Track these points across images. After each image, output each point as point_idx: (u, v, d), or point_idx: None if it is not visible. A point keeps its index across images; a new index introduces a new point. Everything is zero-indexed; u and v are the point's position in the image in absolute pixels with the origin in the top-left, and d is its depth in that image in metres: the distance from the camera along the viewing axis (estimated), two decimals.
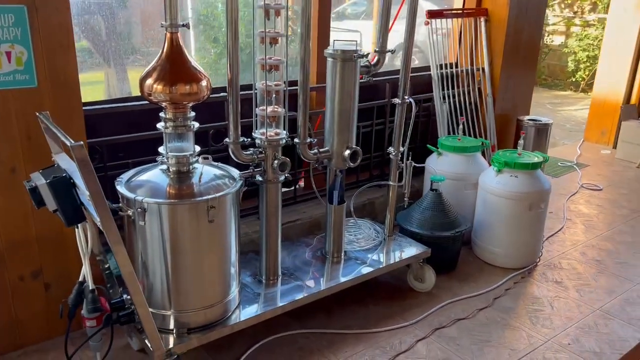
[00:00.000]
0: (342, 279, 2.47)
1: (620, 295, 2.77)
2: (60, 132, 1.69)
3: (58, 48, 2.00)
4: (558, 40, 9.78)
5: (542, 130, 3.81)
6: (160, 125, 1.97)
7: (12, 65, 1.91)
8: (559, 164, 4.79)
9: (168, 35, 1.84)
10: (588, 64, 8.76)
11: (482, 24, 3.70)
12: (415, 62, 5.18)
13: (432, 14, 3.48)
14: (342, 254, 2.66)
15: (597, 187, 4.26)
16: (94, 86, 3.12)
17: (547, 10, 9.33)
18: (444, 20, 3.58)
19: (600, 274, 2.98)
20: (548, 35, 9.64)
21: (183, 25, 1.84)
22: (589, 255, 3.19)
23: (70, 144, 1.51)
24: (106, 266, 2.13)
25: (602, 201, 4.00)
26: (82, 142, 1.51)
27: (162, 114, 1.95)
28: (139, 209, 1.86)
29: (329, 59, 2.38)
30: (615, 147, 5.14)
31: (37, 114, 1.86)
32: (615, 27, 5.08)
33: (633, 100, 5.15)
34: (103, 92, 3.56)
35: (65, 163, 1.82)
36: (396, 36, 3.03)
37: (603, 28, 5.47)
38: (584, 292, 2.79)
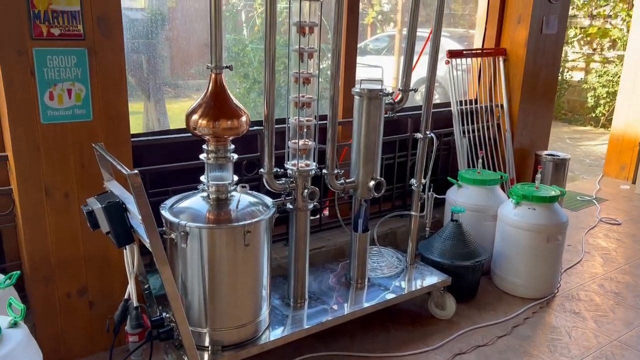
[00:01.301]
0: (366, 304, 2.59)
1: (638, 327, 2.83)
2: (116, 161, 1.88)
3: (112, 85, 2.22)
4: (578, 76, 9.91)
5: (560, 165, 3.92)
6: (202, 156, 2.15)
7: (72, 101, 2.13)
8: (578, 198, 4.87)
9: (213, 75, 2.04)
10: (608, 99, 8.85)
11: (501, 62, 3.87)
12: (436, 97, 5.34)
13: (453, 54, 3.66)
14: (366, 280, 2.78)
15: (616, 222, 4.32)
16: (133, 116, 3.36)
17: (566, 47, 9.50)
18: (464, 58, 3.76)
19: (618, 306, 3.04)
20: (567, 72, 9.77)
21: (227, 67, 2.04)
22: (607, 288, 3.25)
23: (127, 173, 1.69)
24: (146, 286, 2.29)
25: (621, 235, 4.07)
26: (137, 171, 1.69)
27: (205, 146, 2.13)
28: (182, 233, 2.03)
29: (356, 97, 2.56)
30: (634, 182, 5.20)
31: (93, 145, 2.06)
32: (633, 65, 5.21)
33: None
34: (142, 121, 3.80)
35: (117, 190, 2.00)
36: (417, 70, 3.21)
37: (622, 65, 5.59)
38: (601, 323, 2.86)
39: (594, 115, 9.20)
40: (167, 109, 3.66)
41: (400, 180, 3.57)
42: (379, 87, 2.56)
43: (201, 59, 4.07)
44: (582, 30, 9.69)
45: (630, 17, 6.62)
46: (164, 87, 3.79)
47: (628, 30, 7.30)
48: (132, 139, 2.40)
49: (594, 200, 4.79)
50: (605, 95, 8.90)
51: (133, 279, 2.07)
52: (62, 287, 2.30)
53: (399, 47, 7.29)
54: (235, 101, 2.10)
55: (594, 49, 9.82)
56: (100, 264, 2.37)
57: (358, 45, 3.40)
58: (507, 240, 3.09)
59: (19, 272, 1.86)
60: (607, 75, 9.00)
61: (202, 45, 3.98)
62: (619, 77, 7.55)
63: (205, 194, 2.20)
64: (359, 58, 3.37)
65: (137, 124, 3.27)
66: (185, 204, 2.21)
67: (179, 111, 4.40)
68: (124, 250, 2.05)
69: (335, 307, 2.55)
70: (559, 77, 8.62)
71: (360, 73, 3.40)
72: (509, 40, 3.86)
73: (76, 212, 2.23)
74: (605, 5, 9.40)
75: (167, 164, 2.64)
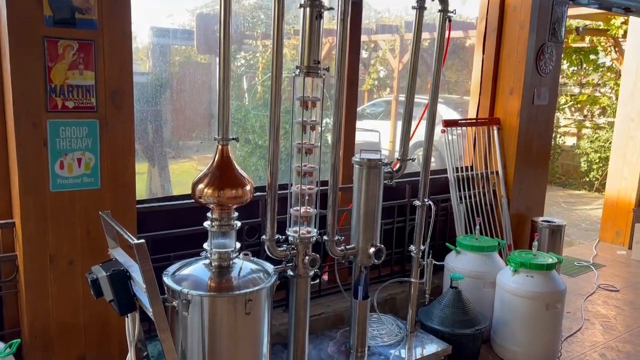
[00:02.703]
0: None
1: None
2: (122, 229, 1.92)
3: (120, 154, 2.29)
4: (570, 141, 10.14)
5: (556, 231, 3.96)
6: (206, 224, 2.19)
7: (81, 170, 2.19)
8: (576, 263, 4.88)
9: (219, 147, 2.12)
10: (600, 164, 9.02)
11: (495, 131, 4.00)
12: (433, 161, 5.46)
13: (448, 123, 3.79)
14: (366, 348, 2.76)
15: (614, 288, 4.32)
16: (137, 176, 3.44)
17: (558, 114, 9.79)
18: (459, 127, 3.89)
19: None
20: (560, 137, 10.01)
21: (233, 139, 2.12)
22: (608, 357, 3.22)
23: (133, 242, 1.73)
24: (145, 354, 2.27)
25: (620, 302, 4.06)
26: (143, 241, 1.73)
27: (209, 214, 2.18)
28: (184, 301, 2.04)
29: (356, 166, 2.64)
30: (630, 247, 5.24)
31: (100, 213, 2.11)
32: (623, 132, 5.37)
33: None
34: (145, 183, 3.86)
35: (122, 257, 2.03)
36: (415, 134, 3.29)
37: (613, 131, 5.76)
38: None
39: (587, 179, 9.35)
40: (168, 165, 3.74)
41: (399, 245, 3.60)
42: (377, 156, 2.64)
43: (203, 123, 4.19)
44: (573, 97, 10.00)
45: (618, 85, 6.88)
46: (167, 149, 3.89)
47: (617, 98, 7.56)
48: (137, 205, 2.45)
49: (591, 266, 4.81)
50: (597, 160, 9.08)
51: (133, 347, 2.07)
52: (61, 354, 2.28)
53: (395, 111, 7.51)
54: (240, 170, 2.17)
55: (585, 116, 10.10)
56: (100, 332, 2.36)
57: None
58: (507, 307, 3.09)
59: (19, 340, 1.86)
60: (599, 140, 9.22)
61: (204, 108, 4.12)
62: (610, 143, 7.74)
63: (207, 261, 2.23)
64: (357, 122, 3.48)
65: (140, 186, 3.34)
66: (187, 271, 2.23)
67: (179, 171, 4.49)
68: (126, 318, 2.05)
69: None
70: (552, 142, 8.84)
71: (359, 137, 3.50)
72: (502, 110, 4.01)
73: (79, 279, 2.24)
74: (594, 74, 9.76)
75: (171, 230, 2.68)
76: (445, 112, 7.19)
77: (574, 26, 7.48)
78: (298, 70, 2.34)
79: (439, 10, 2.67)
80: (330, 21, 3.64)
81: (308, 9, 2.27)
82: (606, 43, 8.60)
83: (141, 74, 3.79)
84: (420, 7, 2.62)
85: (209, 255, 2.21)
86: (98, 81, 2.16)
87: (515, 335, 3.06)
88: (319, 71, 2.34)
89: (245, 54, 5.27)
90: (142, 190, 3.73)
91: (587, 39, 8.67)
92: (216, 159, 2.13)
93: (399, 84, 7.44)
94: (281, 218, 2.49)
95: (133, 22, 2.25)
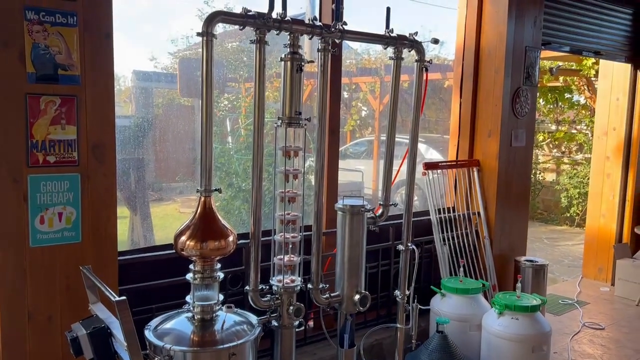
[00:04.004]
0: None
1: None
2: (104, 286, 1.89)
3: (102, 207, 2.28)
4: (550, 177, 10.31)
5: (539, 271, 3.99)
6: (189, 276, 2.17)
7: (62, 224, 2.18)
8: (560, 301, 4.90)
9: (202, 198, 2.13)
10: (580, 200, 9.16)
11: (475, 173, 4.06)
12: (415, 199, 5.50)
13: (429, 166, 3.85)
14: None
15: (599, 326, 4.33)
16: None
17: (536, 150, 9.99)
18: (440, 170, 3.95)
19: None
20: (540, 173, 10.18)
21: (216, 190, 2.13)
22: None
23: (115, 300, 1.71)
24: None
25: (605, 341, 4.07)
26: (125, 298, 1.71)
27: (191, 266, 2.16)
28: (166, 357, 2.00)
29: (339, 212, 2.66)
30: (613, 284, 5.28)
31: (81, 267, 2.08)
32: (599, 172, 5.49)
33: (625, 239, 5.40)
34: (127, 230, 3.82)
35: (103, 313, 1.99)
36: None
37: (590, 168, 5.88)
38: None
39: (568, 214, 9.47)
40: (151, 213, 3.72)
41: (384, 289, 3.59)
42: (360, 202, 2.67)
43: (186, 165, 4.19)
44: (550, 134, 10.23)
45: (593, 123, 7.07)
46: (149, 193, 3.87)
47: (592, 135, 7.75)
48: (119, 257, 2.42)
49: (575, 304, 4.82)
50: (577, 196, 9.22)
51: None
52: None
53: (377, 150, 7.61)
54: (223, 221, 2.17)
55: (563, 152, 10.31)
56: None
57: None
58: (493, 351, 3.08)
59: None
60: (577, 176, 9.39)
61: (187, 151, 4.13)
62: (588, 179, 7.89)
63: (190, 314, 2.20)
64: (339, 163, 3.48)
65: (121, 235, 3.31)
66: (169, 324, 2.19)
67: (161, 214, 4.46)
68: None
69: None
70: (533, 178, 8.97)
71: (342, 177, 3.52)
72: (482, 152, 4.08)
73: (58, 335, 2.19)
74: (569, 112, 10.02)
75: (152, 281, 2.64)
76: (425, 151, 7.31)
77: (548, 67, 7.73)
78: (280, 121, 2.38)
79: (416, 61, 2.75)
80: (312, 65, 3.72)
81: (289, 63, 2.33)
82: (579, 82, 8.87)
83: (124, 117, 3.81)
84: (397, 58, 2.69)
85: (191, 309, 2.18)
86: (80, 135, 2.17)
87: None
88: (301, 121, 2.38)
89: (229, 95, 5.33)
90: (124, 237, 3.69)
91: (561, 78, 8.94)
92: (199, 211, 2.13)
93: (380, 124, 7.56)
94: (265, 265, 2.48)
95: (116, 65, 2.27)
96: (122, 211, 3.64)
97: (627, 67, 5.19)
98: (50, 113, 2.09)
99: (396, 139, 2.90)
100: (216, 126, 4.80)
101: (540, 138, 10.08)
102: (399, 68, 2.72)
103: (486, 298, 3.49)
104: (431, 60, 2.72)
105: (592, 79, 8.28)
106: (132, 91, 4.00)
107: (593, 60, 7.48)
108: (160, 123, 4.06)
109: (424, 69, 2.73)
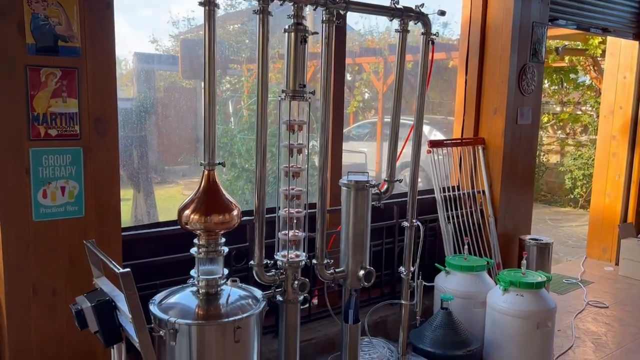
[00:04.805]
0: None
1: None
2: (107, 259, 1.88)
3: (105, 182, 2.26)
4: (554, 159, 10.26)
5: (544, 249, 3.97)
6: (193, 250, 2.16)
7: (65, 198, 2.16)
8: (564, 281, 4.89)
9: (206, 172, 2.10)
10: (584, 181, 9.12)
11: (480, 151, 4.03)
12: (419, 181, 5.48)
13: (434, 144, 3.81)
14: None
15: (603, 305, 4.33)
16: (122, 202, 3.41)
17: (540, 132, 9.92)
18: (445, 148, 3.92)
19: None
20: (544, 155, 10.13)
21: (219, 164, 2.11)
22: None
23: (119, 272, 1.70)
24: None
25: (609, 319, 4.06)
26: (129, 270, 1.70)
27: (195, 240, 2.15)
28: (171, 330, 2.00)
29: (344, 188, 2.63)
30: (617, 264, 5.27)
31: (85, 242, 2.07)
32: (604, 151, 5.44)
33: (630, 218, 5.37)
34: (130, 209, 3.82)
35: (107, 287, 1.99)
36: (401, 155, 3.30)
37: (595, 148, 5.83)
38: None
39: (572, 196, 9.43)
40: (154, 190, 3.71)
41: (388, 267, 3.58)
42: (365, 178, 2.64)
43: (189, 147, 4.18)
44: (555, 116, 10.16)
45: (598, 104, 7.01)
46: (152, 174, 3.86)
47: (597, 116, 7.69)
48: (123, 233, 2.41)
49: (579, 283, 4.82)
50: (581, 177, 9.18)
51: None
52: None
53: (380, 133, 7.56)
54: (227, 195, 2.15)
55: (567, 134, 10.25)
56: None
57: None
58: (498, 327, 3.07)
59: None
60: (582, 158, 9.34)
61: (190, 133, 4.11)
62: (593, 160, 7.84)
63: (194, 288, 2.19)
64: (343, 144, 3.47)
65: (125, 211, 3.30)
66: (174, 299, 2.18)
67: (165, 197, 4.45)
68: (112, 350, 2.00)
69: None
70: (537, 160, 8.94)
71: (345, 159, 3.50)
72: (487, 130, 4.04)
73: (63, 309, 2.19)
74: (575, 93, 9.94)
75: (157, 257, 2.63)
76: (429, 132, 7.26)
77: (554, 47, 7.64)
78: (284, 94, 2.34)
79: (422, 33, 2.70)
80: (314, 44, 3.67)
81: (293, 34, 2.28)
82: (585, 63, 8.77)
83: (126, 100, 3.78)
84: (404, 31, 2.65)
85: (196, 283, 2.17)
86: (82, 108, 2.14)
87: (507, 355, 3.04)
88: (305, 95, 2.35)
89: (231, 78, 5.29)
90: (127, 216, 3.68)
91: (567, 58, 8.84)
92: (202, 185, 2.11)
93: (383, 106, 7.50)
94: (269, 242, 2.46)
95: (117, 47, 2.24)
96: (126, 193, 3.63)
97: (634, 45, 5.12)
98: (51, 85, 2.07)
99: (400, 121, 2.86)
100: (219, 106, 4.77)
101: (545, 119, 10.01)
102: (405, 41, 2.67)
103: (490, 276, 3.48)
104: (437, 33, 2.68)
105: (599, 58, 8.19)
106: (133, 74, 3.96)
107: (599, 39, 7.39)
108: (162, 105, 4.04)
109: (430, 42, 2.68)
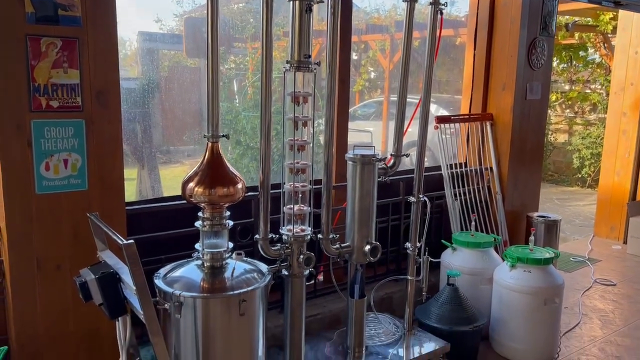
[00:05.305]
0: None
1: None
2: (111, 231, 1.87)
3: (108, 155, 2.24)
4: (562, 138, 10.16)
5: (552, 226, 3.93)
6: (197, 223, 2.14)
7: (67, 171, 2.14)
8: (572, 259, 4.86)
9: (209, 144, 2.07)
10: (592, 161, 9.03)
11: (488, 127, 3.97)
12: (425, 160, 5.43)
13: (441, 120, 3.76)
14: (364, 348, 2.71)
15: (610, 282, 4.30)
16: (126, 182, 3.39)
17: (549, 111, 9.81)
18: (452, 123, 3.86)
19: None
20: (552, 134, 10.02)
21: (223, 136, 2.07)
22: (608, 352, 3.19)
23: (122, 243, 1.68)
24: (137, 359, 2.21)
25: (617, 296, 4.04)
26: (132, 241, 1.68)
27: (200, 214, 2.12)
28: (176, 303, 1.99)
29: (350, 163, 2.60)
30: (625, 242, 5.23)
31: (88, 214, 2.05)
32: (614, 128, 5.37)
33: (639, 197, 5.32)
34: (135, 187, 3.80)
35: (111, 259, 1.97)
36: (407, 133, 3.27)
37: (604, 127, 5.75)
38: None
39: (580, 176, 9.36)
40: (157, 165, 3.69)
41: (394, 244, 3.56)
42: (371, 152, 2.60)
43: (193, 127, 4.15)
44: (563, 94, 10.03)
45: (608, 82, 6.89)
46: (157, 153, 3.84)
47: (607, 95, 7.58)
48: (127, 207, 2.39)
49: (587, 261, 4.79)
50: (589, 157, 9.09)
51: (125, 351, 2.01)
52: None
53: (386, 112, 7.49)
54: (232, 168, 2.12)
55: (576, 112, 10.12)
56: (90, 337, 2.29)
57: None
58: (504, 303, 3.05)
59: (6, 347, 1.80)
60: (590, 137, 9.24)
61: (194, 113, 4.07)
62: (601, 139, 7.75)
63: (199, 262, 2.18)
64: (349, 123, 3.44)
65: (130, 190, 3.27)
66: (179, 272, 2.17)
67: (170, 176, 4.43)
68: (116, 323, 1.99)
69: None
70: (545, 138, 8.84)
71: (351, 137, 3.47)
72: (495, 106, 3.98)
73: (68, 283, 2.18)
74: (584, 71, 9.79)
75: (162, 232, 2.62)
76: (436, 111, 7.17)
77: (564, 23, 7.50)
78: (289, 65, 2.29)
79: (430, 3, 2.64)
80: (319, 22, 3.60)
81: (297, 3, 2.23)
82: (595, 39, 8.62)
83: (130, 79, 3.74)
84: (412, 0, 2.58)
85: (201, 256, 2.15)
86: (83, 80, 2.11)
87: (514, 332, 3.03)
88: (310, 65, 2.30)
89: (235, 57, 5.23)
90: (131, 193, 3.67)
91: (577, 35, 8.69)
92: (206, 157, 2.08)
93: (389, 85, 7.42)
94: (274, 218, 2.44)
95: (121, 27, 2.20)
96: (131, 173, 3.61)
97: None
98: (51, 56, 2.03)
99: (407, 100, 2.81)
100: (223, 83, 4.71)
101: (553, 98, 9.88)
102: (412, 12, 2.60)
103: (497, 253, 3.45)
104: (446, 2, 2.61)
105: (609, 35, 8.04)
106: (137, 53, 3.91)
107: (610, 15, 7.24)
108: (167, 84, 4.00)
109: (439, 12, 2.62)
